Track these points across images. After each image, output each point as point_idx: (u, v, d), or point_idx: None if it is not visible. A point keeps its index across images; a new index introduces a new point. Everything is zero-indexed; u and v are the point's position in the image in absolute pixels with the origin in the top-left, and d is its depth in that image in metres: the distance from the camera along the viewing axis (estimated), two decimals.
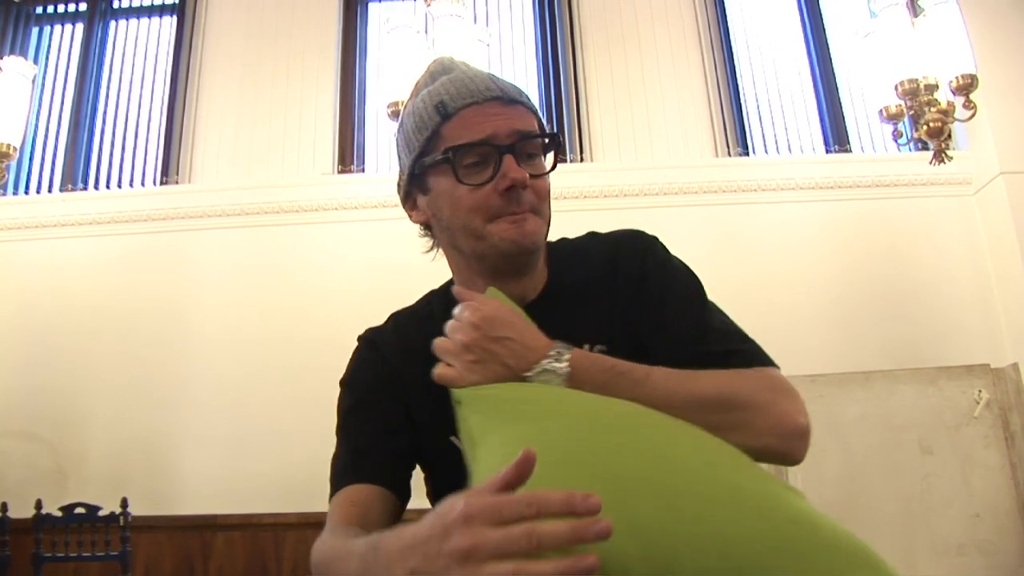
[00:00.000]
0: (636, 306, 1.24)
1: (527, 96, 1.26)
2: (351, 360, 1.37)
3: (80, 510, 3.76)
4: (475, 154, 1.20)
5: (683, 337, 1.19)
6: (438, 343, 1.11)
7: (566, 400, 1.03)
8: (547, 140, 1.26)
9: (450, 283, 1.32)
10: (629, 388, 1.06)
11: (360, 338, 1.39)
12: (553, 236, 1.34)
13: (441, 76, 1.27)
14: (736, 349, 1.18)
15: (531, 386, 1.06)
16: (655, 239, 1.32)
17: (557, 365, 1.06)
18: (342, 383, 1.35)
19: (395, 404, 1.27)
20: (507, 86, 1.24)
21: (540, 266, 1.29)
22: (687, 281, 1.27)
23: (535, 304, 1.25)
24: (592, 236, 1.36)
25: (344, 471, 1.23)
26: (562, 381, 1.05)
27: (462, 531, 0.73)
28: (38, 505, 3.73)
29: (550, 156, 1.29)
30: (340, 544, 1.04)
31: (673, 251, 1.31)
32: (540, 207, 1.23)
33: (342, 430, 1.29)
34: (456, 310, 1.12)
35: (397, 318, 1.39)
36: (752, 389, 1.10)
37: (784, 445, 1.08)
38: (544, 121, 1.27)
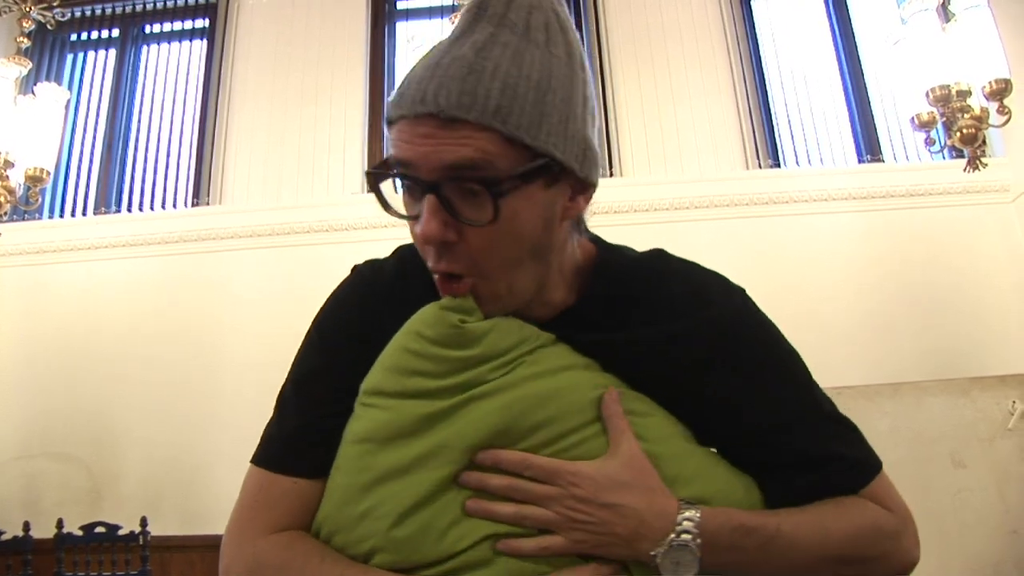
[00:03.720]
0: (701, 366, 1.04)
1: (497, 103, 0.90)
2: (334, 296, 1.14)
3: (100, 529, 3.79)
4: (406, 180, 0.95)
5: (778, 424, 1.04)
6: (531, 514, 0.96)
7: None
8: (489, 186, 0.90)
9: None
10: (758, 547, 0.97)
11: (354, 269, 1.16)
12: None
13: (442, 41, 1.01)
14: (852, 461, 1.05)
15: None
16: (746, 295, 1.11)
17: (687, 537, 0.94)
18: (315, 322, 1.13)
19: (362, 371, 1.05)
20: (455, 94, 0.89)
21: (564, 281, 1.07)
22: (790, 358, 1.09)
23: (553, 323, 1.06)
24: (659, 257, 1.12)
25: (292, 450, 1.05)
26: (695, 558, 0.94)
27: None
28: (59, 524, 3.78)
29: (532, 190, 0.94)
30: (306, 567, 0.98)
31: (705, 265, 1.13)
32: (483, 265, 0.96)
33: (300, 387, 1.09)
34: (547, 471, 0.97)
35: (403, 258, 1.14)
36: (879, 535, 1.02)
37: None
38: (531, 138, 0.91)
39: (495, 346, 1.01)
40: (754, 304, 1.10)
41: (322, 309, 1.14)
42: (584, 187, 1.01)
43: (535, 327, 1.05)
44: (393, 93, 0.97)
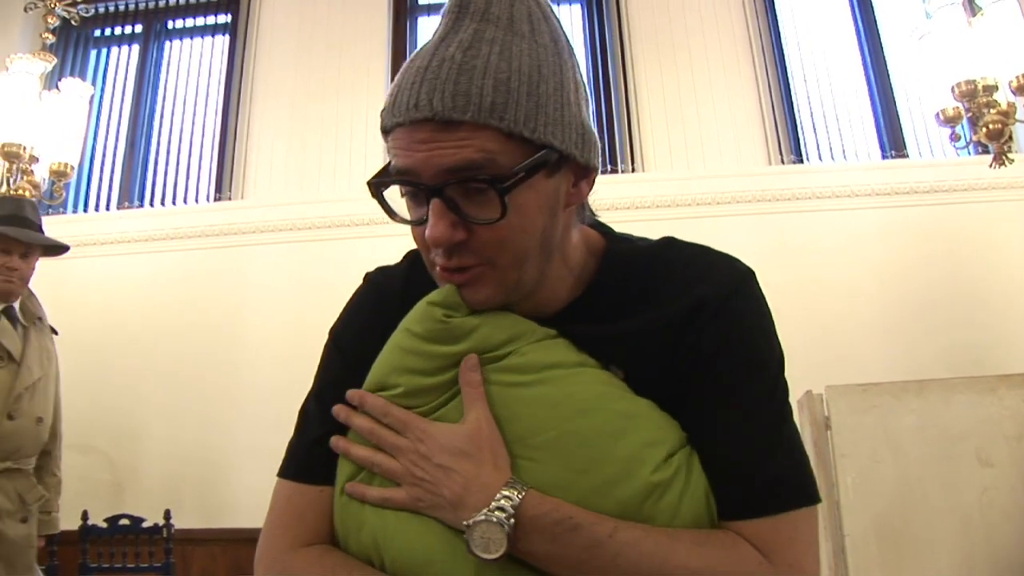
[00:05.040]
0: (693, 351, 1.00)
1: (492, 100, 0.90)
2: (348, 305, 1.17)
3: (124, 522, 3.83)
4: (408, 187, 0.95)
5: (719, 443, 0.98)
6: (380, 462, 0.99)
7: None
8: (493, 184, 0.90)
9: None
10: (582, 547, 0.91)
11: (366, 277, 1.18)
12: None
13: (426, 43, 0.99)
14: (767, 480, 0.96)
15: None
16: (749, 278, 1.05)
17: (500, 515, 0.90)
18: (332, 333, 1.15)
19: None
20: (449, 96, 0.89)
21: (571, 273, 1.06)
22: (760, 368, 1.01)
23: (559, 315, 1.05)
24: (668, 245, 1.09)
25: (317, 459, 1.06)
26: (504, 536, 0.89)
27: None
28: (84, 516, 3.82)
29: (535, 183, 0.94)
30: None
31: None
32: (495, 257, 0.95)
33: (321, 398, 1.10)
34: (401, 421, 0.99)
35: (414, 262, 1.13)
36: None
37: None
38: (529, 131, 0.91)
39: (486, 341, 1.00)
40: (755, 288, 1.04)
41: (338, 319, 1.15)
42: (586, 172, 1.01)
43: (534, 323, 1.03)
44: (385, 101, 0.97)
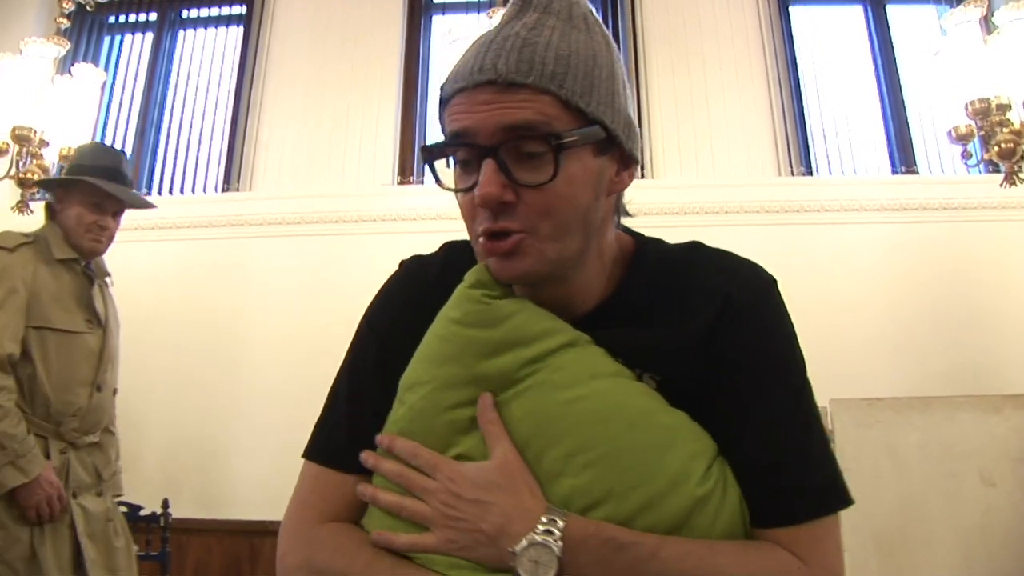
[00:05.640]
0: (719, 358, 1.02)
1: (553, 69, 0.95)
2: (383, 291, 1.18)
3: (122, 509, 3.81)
4: (461, 151, 0.99)
5: (751, 452, 1.00)
6: (410, 506, 0.99)
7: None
8: (550, 140, 0.95)
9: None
10: (628, 567, 0.92)
11: (402, 264, 1.20)
12: None
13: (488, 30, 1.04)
14: (801, 488, 0.99)
15: None
16: (772, 286, 1.08)
17: (548, 538, 0.92)
18: (365, 317, 1.16)
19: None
20: (513, 62, 0.94)
21: (604, 269, 1.08)
22: (789, 374, 1.03)
23: (591, 316, 1.06)
24: (694, 248, 1.13)
25: (342, 446, 1.07)
26: (554, 558, 0.91)
27: None
28: None
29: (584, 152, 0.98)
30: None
31: None
32: (538, 225, 0.97)
33: (351, 381, 1.12)
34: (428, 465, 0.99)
35: (450, 252, 1.17)
36: None
37: None
38: (584, 104, 0.96)
39: (521, 330, 1.01)
40: (779, 297, 1.08)
41: (371, 304, 1.17)
42: (628, 162, 1.06)
43: (566, 323, 1.04)
44: (446, 76, 1.01)
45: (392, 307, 1.14)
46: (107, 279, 3.11)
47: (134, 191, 3.05)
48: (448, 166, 1.03)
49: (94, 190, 2.90)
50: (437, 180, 1.04)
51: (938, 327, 4.40)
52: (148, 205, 3.18)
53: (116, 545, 2.90)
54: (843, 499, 1.01)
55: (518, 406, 0.99)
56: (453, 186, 1.01)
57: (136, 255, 4.82)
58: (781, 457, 0.99)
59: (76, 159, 3.07)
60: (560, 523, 0.92)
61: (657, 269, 1.09)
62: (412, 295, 1.12)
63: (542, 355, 1.00)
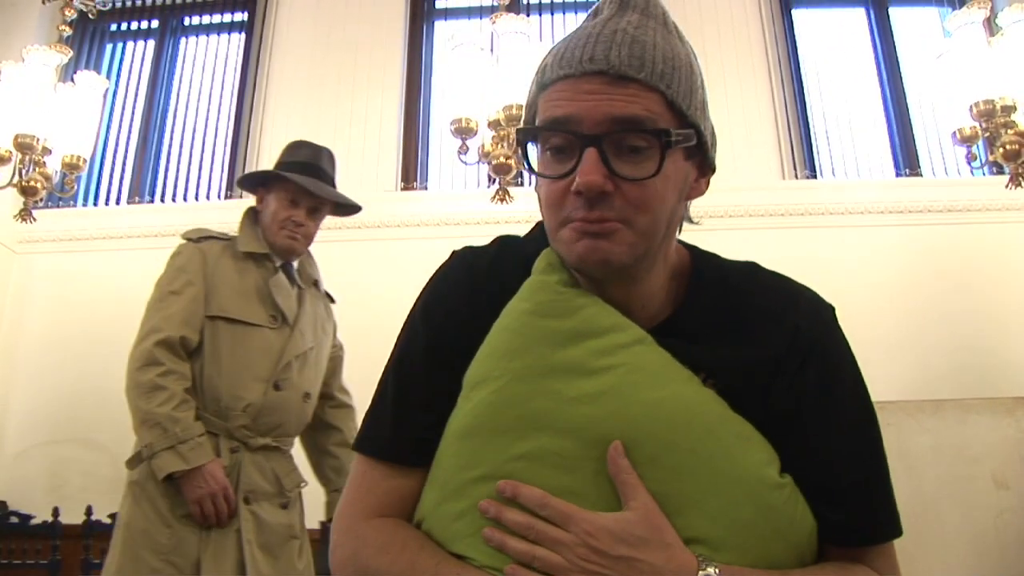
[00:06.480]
0: (796, 389, 1.04)
1: (662, 69, 0.96)
2: (434, 279, 1.15)
3: None
4: (559, 137, 0.98)
5: (839, 473, 1.02)
6: (543, 556, 0.94)
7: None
8: (661, 136, 0.95)
9: (535, 240, 1.12)
10: None
11: (453, 254, 1.17)
12: None
13: (584, 23, 1.04)
14: (889, 509, 1.04)
15: None
16: (835, 317, 1.12)
17: None
18: (417, 305, 1.14)
19: (462, 353, 1.06)
20: (625, 56, 0.95)
21: (665, 277, 1.08)
22: (863, 399, 1.08)
23: (662, 328, 1.06)
24: (754, 269, 1.14)
25: (392, 440, 1.07)
26: None
27: None
28: (88, 511, 3.80)
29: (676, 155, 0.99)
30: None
31: None
32: (634, 218, 0.96)
33: (401, 370, 1.10)
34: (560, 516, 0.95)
35: (504, 246, 1.16)
36: None
37: None
38: (686, 107, 0.98)
39: (592, 322, 1.00)
40: (839, 326, 1.11)
41: (423, 292, 1.15)
42: (705, 170, 1.07)
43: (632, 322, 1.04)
44: (548, 59, 1.02)
45: (444, 298, 1.12)
46: (317, 286, 3.01)
47: (332, 188, 2.92)
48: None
49: (286, 185, 2.83)
50: (528, 164, 1.03)
51: (944, 329, 4.39)
52: (350, 202, 3.02)
53: (297, 567, 2.68)
54: (899, 527, 1.06)
55: (602, 404, 0.97)
56: (546, 172, 1.00)
57: (140, 262, 4.81)
58: (870, 479, 1.03)
59: (280, 156, 2.99)
60: (716, 573, 0.92)
61: (718, 288, 1.10)
62: (465, 284, 1.11)
63: (613, 348, 0.99)
